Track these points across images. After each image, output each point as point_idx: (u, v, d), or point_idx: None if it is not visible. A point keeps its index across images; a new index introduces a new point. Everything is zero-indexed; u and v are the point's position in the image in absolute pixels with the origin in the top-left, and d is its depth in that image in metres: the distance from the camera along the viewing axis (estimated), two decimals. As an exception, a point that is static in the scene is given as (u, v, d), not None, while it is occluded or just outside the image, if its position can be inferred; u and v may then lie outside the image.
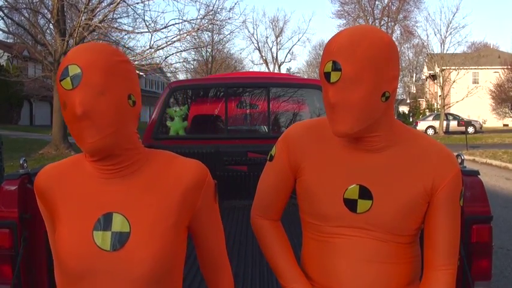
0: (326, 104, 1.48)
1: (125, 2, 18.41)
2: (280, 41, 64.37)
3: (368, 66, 1.41)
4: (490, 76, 46.28)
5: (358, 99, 1.43)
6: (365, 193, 1.53)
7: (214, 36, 42.17)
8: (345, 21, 49.27)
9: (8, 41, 30.93)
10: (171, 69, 22.74)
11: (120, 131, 1.27)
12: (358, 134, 1.49)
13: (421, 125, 38.85)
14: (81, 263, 1.26)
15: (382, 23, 48.56)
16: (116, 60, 1.28)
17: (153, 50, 18.47)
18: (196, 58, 44.66)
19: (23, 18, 20.17)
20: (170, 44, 18.76)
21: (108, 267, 1.26)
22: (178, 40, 18.96)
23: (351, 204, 1.54)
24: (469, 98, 38.80)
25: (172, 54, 20.84)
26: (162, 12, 47.54)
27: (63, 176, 1.38)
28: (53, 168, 1.41)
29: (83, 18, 17.32)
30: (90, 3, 18.15)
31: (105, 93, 1.23)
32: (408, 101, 62.08)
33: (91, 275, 1.27)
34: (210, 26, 23.07)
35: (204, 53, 46.40)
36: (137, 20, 28.30)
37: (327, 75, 1.44)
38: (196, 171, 1.38)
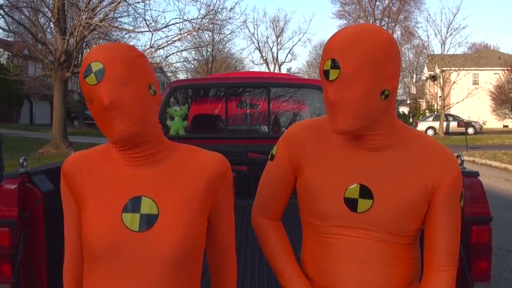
0: (325, 101, 1.50)
1: (126, 1, 18.42)
2: (280, 41, 64.22)
3: (366, 64, 1.41)
4: (490, 77, 46.26)
5: (356, 97, 1.43)
6: (366, 192, 1.53)
7: (215, 36, 42.18)
8: (345, 22, 49.22)
9: (9, 39, 30.90)
10: (172, 68, 22.73)
11: (146, 119, 1.36)
12: (357, 131, 1.49)
13: (421, 126, 38.82)
14: (110, 242, 1.34)
15: (382, 23, 48.51)
16: (132, 55, 1.37)
17: (153, 49, 18.48)
18: (196, 58, 44.66)
19: (23, 16, 20.15)
20: (171, 43, 18.77)
21: (136, 247, 1.34)
22: (179, 40, 18.97)
23: (351, 204, 1.54)
24: (469, 99, 38.81)
25: (173, 53, 20.84)
26: (163, 12, 47.55)
27: (93, 162, 1.46)
28: (82, 154, 1.48)
29: (84, 17, 17.31)
30: (91, 2, 18.15)
31: (128, 84, 1.33)
32: (408, 102, 62.06)
33: (119, 255, 1.34)
34: (210, 26, 23.05)
35: (204, 53, 46.41)
36: (138, 20, 28.17)
37: (326, 73, 1.46)
38: (220, 162, 1.49)
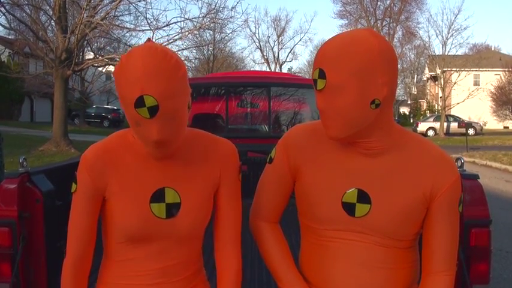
0: (317, 108, 1.51)
1: (127, -1, 18.41)
2: (281, 40, 64.28)
3: (352, 75, 1.40)
4: (491, 78, 46.25)
5: (343, 107, 1.44)
6: (363, 197, 1.53)
7: (216, 35, 42.19)
8: (346, 22, 49.33)
9: (10, 37, 30.90)
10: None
11: (183, 134, 1.49)
12: (349, 138, 1.50)
13: (422, 126, 38.87)
14: (144, 229, 1.53)
15: (384, 23, 48.55)
16: (180, 76, 1.39)
17: (154, 48, 18.43)
18: (197, 57, 44.68)
19: (24, 14, 20.15)
20: (172, 42, 18.76)
21: (163, 231, 1.55)
22: (180, 38, 19.02)
23: (349, 208, 1.54)
24: (470, 99, 38.84)
25: (174, 52, 20.89)
26: (164, 10, 47.46)
27: (116, 155, 1.57)
28: (104, 146, 1.58)
29: (85, 15, 17.31)
30: (92, 1, 18.15)
31: (176, 116, 1.40)
32: (409, 102, 62.08)
33: (149, 238, 1.55)
34: (211, 25, 23.04)
35: (205, 52, 46.40)
36: (139, 18, 28.24)
37: (315, 82, 1.48)
38: (229, 149, 1.69)
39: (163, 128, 1.38)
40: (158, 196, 1.55)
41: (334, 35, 1.50)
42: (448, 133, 37.97)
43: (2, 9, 18.28)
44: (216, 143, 1.67)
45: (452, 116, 39.98)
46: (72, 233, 1.59)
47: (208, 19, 20.01)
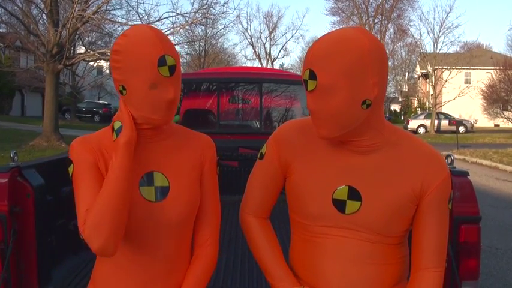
0: (307, 108, 1.51)
1: (119, -6, 18.31)
2: (273, 36, 64.27)
3: (343, 77, 1.40)
4: (482, 76, 46.39)
5: (334, 108, 1.43)
6: (354, 194, 1.54)
7: (208, 31, 42.06)
8: (338, 19, 49.33)
9: (1, 30, 30.70)
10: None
11: (175, 110, 1.59)
12: (340, 138, 1.51)
13: (413, 124, 38.98)
14: (133, 213, 1.52)
15: (376, 21, 48.59)
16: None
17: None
18: (189, 52, 44.52)
19: (16, 7, 20.02)
20: (163, 37, 18.64)
21: (152, 215, 1.56)
22: (172, 33, 18.91)
23: (339, 205, 1.54)
24: (461, 97, 38.93)
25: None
26: (156, 5, 47.06)
27: (101, 142, 1.59)
28: (89, 136, 1.61)
29: (76, 9, 17.20)
30: (84, -6, 18.03)
31: (180, 85, 1.55)
32: (400, 100, 62.21)
33: (139, 222, 1.54)
34: (203, 20, 23.04)
35: (197, 47, 46.28)
36: (131, 12, 28.15)
37: (305, 83, 1.47)
38: (208, 140, 1.75)
39: (176, 88, 1.51)
40: (147, 180, 1.58)
41: (324, 34, 1.49)
42: (438, 130, 38.07)
43: (-7, 2, 18.15)
44: (196, 134, 1.74)
45: (443, 114, 40.08)
46: (81, 206, 1.47)
47: (200, 14, 19.98)
